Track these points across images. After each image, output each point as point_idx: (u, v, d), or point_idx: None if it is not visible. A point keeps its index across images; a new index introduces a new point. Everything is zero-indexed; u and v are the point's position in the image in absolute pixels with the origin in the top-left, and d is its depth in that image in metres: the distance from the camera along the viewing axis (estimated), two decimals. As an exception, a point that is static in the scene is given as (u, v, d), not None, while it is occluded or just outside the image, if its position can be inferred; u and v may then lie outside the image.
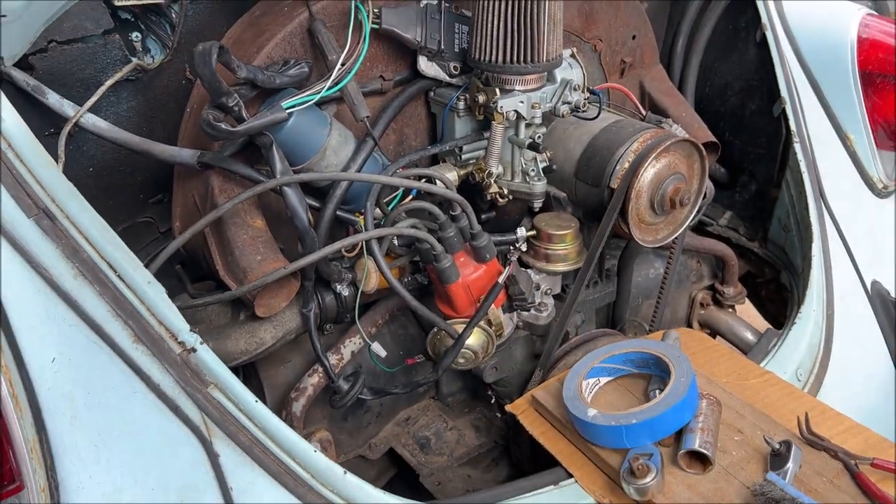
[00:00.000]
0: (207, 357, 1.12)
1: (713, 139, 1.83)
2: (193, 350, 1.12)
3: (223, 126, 1.17)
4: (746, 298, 1.99)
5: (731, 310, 1.97)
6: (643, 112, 1.70)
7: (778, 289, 1.98)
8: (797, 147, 1.85)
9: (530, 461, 1.52)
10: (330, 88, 1.27)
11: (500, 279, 1.36)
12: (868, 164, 1.98)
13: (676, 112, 1.83)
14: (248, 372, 1.51)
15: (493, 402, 1.67)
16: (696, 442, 1.21)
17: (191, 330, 1.12)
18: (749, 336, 1.87)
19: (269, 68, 1.30)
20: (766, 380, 1.47)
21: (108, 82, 1.38)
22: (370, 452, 1.58)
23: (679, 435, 1.26)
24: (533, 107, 1.41)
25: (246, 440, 1.10)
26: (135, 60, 1.44)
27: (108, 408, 1.07)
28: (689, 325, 1.99)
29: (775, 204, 1.95)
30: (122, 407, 1.08)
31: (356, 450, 1.58)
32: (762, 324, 2.02)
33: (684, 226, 1.56)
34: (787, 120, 1.88)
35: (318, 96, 1.25)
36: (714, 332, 2.00)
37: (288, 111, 1.22)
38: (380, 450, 1.59)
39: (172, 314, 1.12)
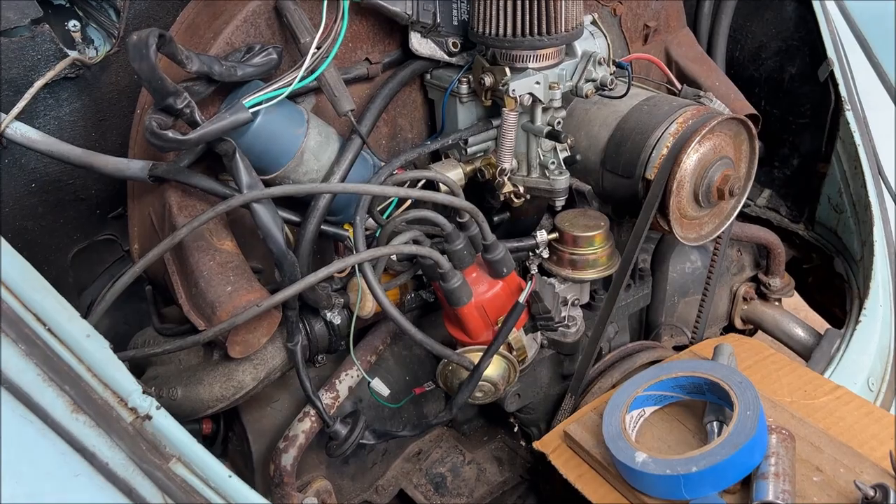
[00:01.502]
0: (166, 424, 0.90)
1: (753, 111, 1.59)
2: (148, 417, 0.90)
3: (170, 134, 0.94)
4: (795, 291, 1.75)
5: (777, 303, 1.74)
6: (678, 85, 1.46)
7: (828, 276, 1.75)
8: (849, 115, 1.62)
9: (563, 501, 1.31)
10: (304, 79, 1.03)
11: (522, 298, 1.14)
12: (929, 131, 1.74)
13: (709, 82, 1.59)
14: (228, 417, 1.29)
15: (515, 430, 1.45)
16: (769, 492, 1.00)
17: (144, 391, 0.90)
18: (801, 333, 1.65)
19: (230, 57, 1.06)
20: (838, 397, 1.25)
21: (38, 83, 1.15)
22: (377, 497, 1.37)
23: (748, 480, 1.04)
24: (551, 87, 1.17)
25: (219, 525, 0.89)
26: (72, 54, 1.21)
27: (43, 497, 0.86)
28: (731, 322, 1.76)
29: (823, 181, 1.71)
30: (62, 495, 0.86)
31: (361, 495, 1.36)
32: (812, 318, 1.80)
33: (731, 219, 1.33)
34: (835, 85, 1.64)
35: (288, 90, 1.02)
36: (758, 329, 1.78)
37: (252, 110, 0.99)
38: (388, 493, 1.38)
39: (120, 373, 0.90)
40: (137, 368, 1.31)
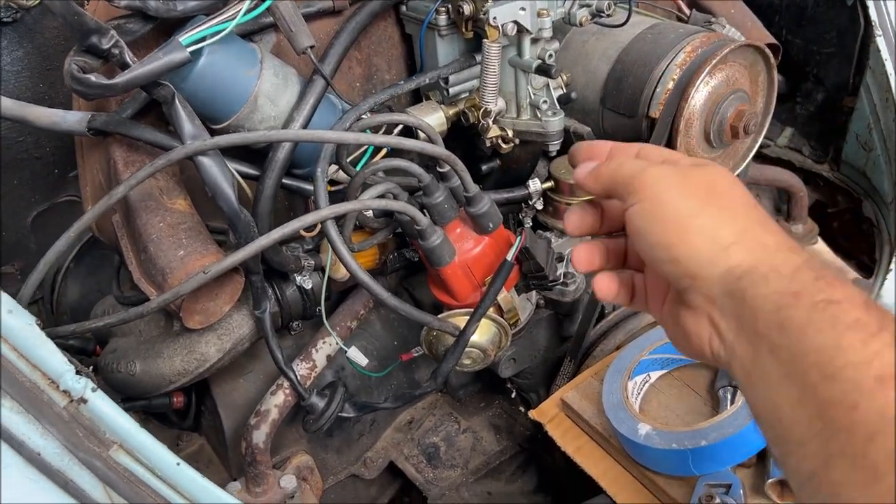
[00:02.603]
0: (104, 407, 0.80)
1: (773, 41, 1.43)
2: (83, 400, 0.80)
3: (93, 79, 0.82)
4: (819, 237, 1.62)
5: (799, 251, 1.60)
6: (686, 12, 1.30)
7: (856, 221, 1.61)
8: (880, 42, 1.46)
9: (565, 472, 1.20)
10: (251, 10, 0.90)
11: (510, 255, 1.01)
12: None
13: (723, 9, 1.43)
14: (200, 390, 1.19)
15: (514, 396, 1.34)
16: (790, 466, 0.88)
17: (78, 371, 0.80)
18: (825, 283, 1.51)
19: (168, -11, 0.93)
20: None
21: (-35, 28, 1.03)
22: (365, 471, 1.28)
23: (763, 454, 0.93)
24: (539, 14, 1.03)
25: (169, 518, 0.79)
26: (5, -5, 1.08)
27: (-32, 493, 0.77)
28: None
29: (851, 116, 1.56)
30: (-10, 489, 0.77)
31: (347, 468, 1.27)
32: (839, 266, 1.66)
33: (746, 160, 1.19)
34: (864, 8, 1.47)
35: (233, 23, 0.89)
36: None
37: (190, 49, 0.86)
38: (377, 466, 1.28)
39: (49, 353, 0.80)
40: (101, 341, 1.22)
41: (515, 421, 1.35)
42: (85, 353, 1.23)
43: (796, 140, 1.72)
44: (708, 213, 0.56)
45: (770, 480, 0.89)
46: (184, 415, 1.23)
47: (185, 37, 0.86)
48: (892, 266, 1.31)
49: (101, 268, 1.43)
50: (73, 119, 0.97)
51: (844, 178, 1.61)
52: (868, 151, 1.52)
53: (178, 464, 0.81)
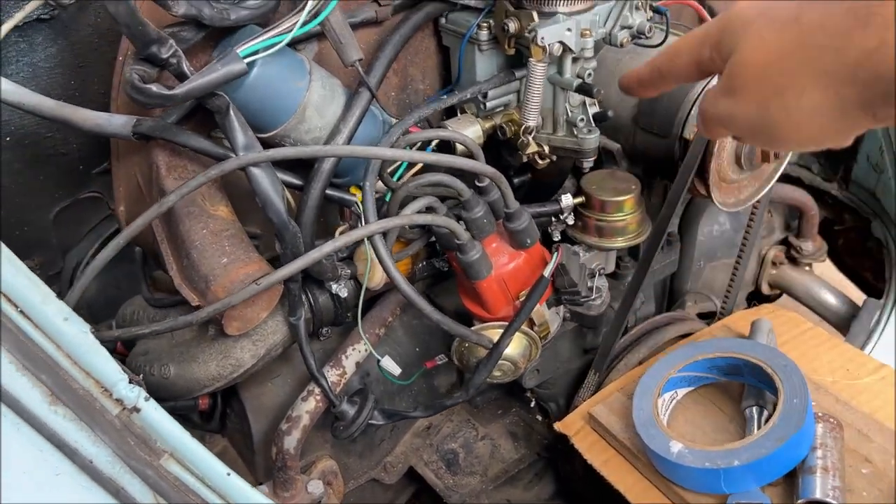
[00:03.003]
0: (157, 416, 0.81)
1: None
2: (136, 409, 0.81)
3: (154, 89, 0.82)
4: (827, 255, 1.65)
5: (807, 269, 1.64)
6: (718, 33, 1.32)
7: (862, 240, 1.65)
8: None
9: (582, 479, 1.23)
10: (306, 24, 0.90)
11: (547, 272, 1.03)
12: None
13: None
14: (226, 392, 1.20)
15: (532, 405, 1.36)
16: (817, 488, 0.92)
17: (131, 381, 0.81)
18: (833, 301, 1.55)
19: (221, -2, 0.93)
20: (883, 377, 1.16)
21: (8, 24, 1.02)
22: (385, 475, 1.29)
23: (793, 473, 0.96)
24: (583, 34, 1.04)
25: (217, 526, 0.80)
26: (44, -7, 1.07)
27: (21, 499, 0.77)
28: (758, 287, 1.67)
29: (863, 137, 1.59)
30: (43, 496, 0.77)
31: (368, 473, 1.28)
32: (843, 284, 1.70)
33: (771, 182, 1.22)
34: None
35: (289, 36, 0.89)
36: (781, 294, 1.68)
37: (247, 60, 0.86)
38: (397, 471, 1.30)
39: (103, 361, 0.80)
40: (126, 341, 1.22)
41: (532, 429, 1.37)
42: (105, 352, 1.23)
43: (806, 157, 1.75)
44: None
45: (800, 502, 0.92)
46: (209, 417, 1.23)
47: (242, 48, 0.87)
48: (904, 288, 1.34)
49: (120, 264, 1.42)
50: (118, 122, 0.97)
51: (853, 197, 1.65)
52: (879, 173, 1.56)
53: (229, 474, 0.82)
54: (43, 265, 1.38)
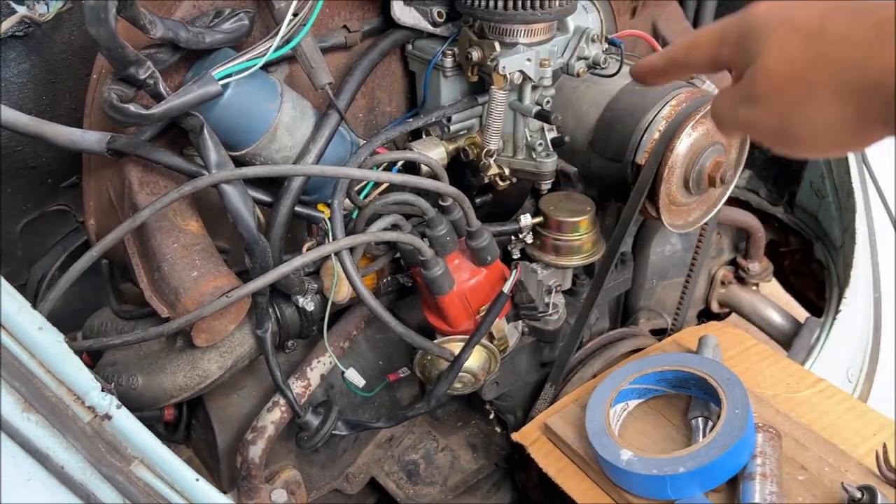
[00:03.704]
0: (127, 424, 0.84)
1: (741, 91, 1.54)
2: (108, 417, 0.83)
3: (132, 108, 0.85)
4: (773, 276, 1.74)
5: (755, 288, 1.72)
6: (669, 65, 1.40)
7: (806, 261, 1.74)
8: (835, 99, 1.57)
9: (539, 489, 1.28)
10: (279, 48, 0.95)
11: (506, 288, 1.08)
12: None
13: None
14: (192, 403, 1.22)
15: (491, 417, 1.41)
16: (756, 494, 0.97)
17: (103, 389, 0.83)
18: (778, 319, 1.63)
19: (197, 22, 0.97)
20: (821, 390, 1.23)
21: (-18, 42, 1.04)
22: (347, 486, 1.32)
23: (734, 480, 1.02)
24: (542, 64, 1.10)
25: (185, 531, 0.83)
26: (21, 10, 1.10)
27: (-8, 504, 0.79)
28: (707, 306, 1.74)
29: (806, 164, 1.69)
30: (14, 500, 0.79)
31: (330, 483, 1.31)
32: (788, 302, 1.79)
33: (718, 206, 1.29)
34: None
35: (262, 60, 0.93)
36: (731, 313, 1.76)
37: (221, 82, 0.90)
38: (359, 481, 1.33)
39: (76, 369, 0.83)
40: (94, 352, 1.23)
41: (491, 440, 1.41)
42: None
43: (754, 182, 1.84)
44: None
45: (739, 506, 0.98)
46: (174, 427, 1.25)
47: (217, 71, 0.91)
48: (841, 307, 1.42)
49: (86, 277, 1.44)
50: (91, 139, 1.00)
51: (797, 221, 1.74)
52: (821, 199, 1.65)
53: (198, 479, 0.85)
54: (8, 276, 1.38)
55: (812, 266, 1.71)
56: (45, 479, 0.79)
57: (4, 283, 0.82)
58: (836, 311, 1.43)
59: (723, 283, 1.71)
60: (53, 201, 1.38)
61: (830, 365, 1.34)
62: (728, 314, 1.80)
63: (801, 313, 1.65)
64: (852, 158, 1.54)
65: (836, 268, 1.57)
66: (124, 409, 0.84)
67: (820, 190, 1.65)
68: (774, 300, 1.71)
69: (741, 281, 1.72)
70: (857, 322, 1.41)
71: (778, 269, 1.85)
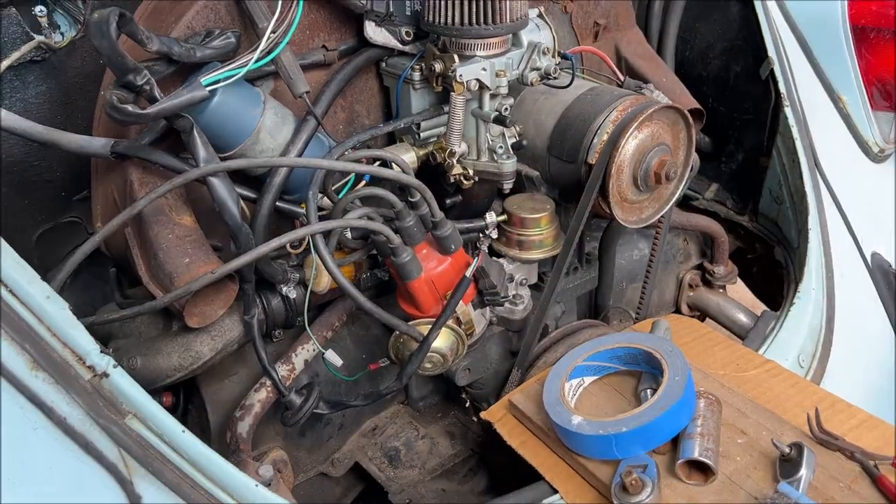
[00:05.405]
0: (123, 382, 0.95)
1: (697, 106, 1.67)
2: (105, 375, 0.95)
3: (130, 108, 0.99)
4: (738, 278, 1.84)
5: (721, 290, 1.82)
6: (620, 77, 1.53)
7: (771, 265, 1.84)
8: (788, 111, 1.70)
9: (511, 470, 1.37)
10: (259, 60, 1.09)
11: (468, 272, 1.20)
12: (863, 126, 1.84)
13: (656, 77, 1.67)
14: (188, 391, 1.33)
15: (467, 405, 1.51)
16: (695, 450, 1.06)
17: (102, 351, 0.95)
18: (742, 318, 1.72)
19: (190, 40, 1.12)
20: (768, 370, 1.32)
21: (4, 63, 1.20)
22: (333, 469, 1.42)
23: (676, 441, 1.11)
24: (497, 75, 1.24)
25: (173, 477, 0.94)
26: (38, 38, 1.26)
27: (4, 449, 0.90)
28: (678, 309, 1.84)
29: (765, 174, 1.80)
30: (22, 447, 0.90)
31: (317, 467, 1.41)
32: (755, 304, 1.88)
33: (670, 203, 1.40)
34: (775, 82, 1.73)
35: (244, 70, 1.07)
36: (704, 315, 1.86)
37: (209, 88, 1.04)
38: (344, 465, 1.43)
39: (78, 333, 0.95)
40: (101, 342, 1.35)
41: (468, 429, 1.51)
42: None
43: (721, 194, 1.95)
44: None
45: (679, 461, 1.07)
46: (171, 413, 1.35)
47: (204, 78, 1.05)
48: (795, 300, 1.52)
49: (95, 286, 1.57)
50: (97, 144, 1.14)
51: (761, 228, 1.84)
52: (779, 204, 1.76)
53: (183, 431, 0.96)
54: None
55: (775, 269, 1.80)
56: (50, 429, 0.91)
57: (17, 257, 0.94)
58: (791, 304, 1.52)
59: (691, 286, 1.81)
60: (67, 213, 1.52)
61: (782, 352, 1.42)
62: (702, 318, 1.89)
63: (763, 309, 1.73)
64: (804, 163, 1.65)
65: (793, 266, 1.66)
66: (120, 369, 0.95)
67: (778, 196, 1.75)
68: (742, 302, 1.81)
69: (708, 284, 1.82)
70: (808, 313, 1.49)
71: (748, 274, 1.95)
